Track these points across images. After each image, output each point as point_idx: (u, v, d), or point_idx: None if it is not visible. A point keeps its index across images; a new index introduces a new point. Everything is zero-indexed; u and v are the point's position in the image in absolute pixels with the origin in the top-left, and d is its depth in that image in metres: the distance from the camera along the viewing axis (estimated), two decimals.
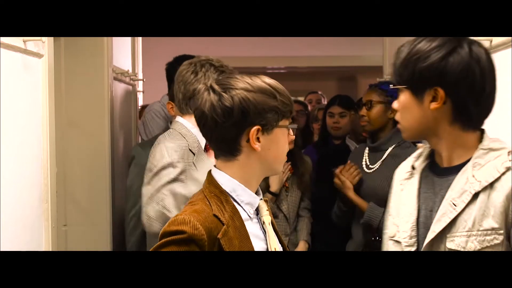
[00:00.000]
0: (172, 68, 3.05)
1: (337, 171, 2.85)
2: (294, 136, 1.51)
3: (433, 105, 1.44)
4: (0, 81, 1.71)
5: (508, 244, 1.37)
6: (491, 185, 1.39)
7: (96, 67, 3.01)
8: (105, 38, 3.00)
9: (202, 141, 2.28)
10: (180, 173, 2.20)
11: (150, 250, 1.42)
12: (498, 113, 1.53)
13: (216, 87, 1.43)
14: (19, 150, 1.87)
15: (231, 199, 1.45)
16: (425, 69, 1.43)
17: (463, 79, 1.41)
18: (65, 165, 2.96)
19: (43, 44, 2.02)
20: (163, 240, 1.38)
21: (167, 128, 3.00)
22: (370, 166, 2.83)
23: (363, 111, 2.85)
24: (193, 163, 2.23)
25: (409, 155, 2.68)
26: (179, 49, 3.23)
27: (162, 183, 2.18)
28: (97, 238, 3.07)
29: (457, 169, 1.46)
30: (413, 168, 1.59)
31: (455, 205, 1.42)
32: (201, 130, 1.48)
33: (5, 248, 1.72)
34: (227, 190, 1.45)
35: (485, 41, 1.75)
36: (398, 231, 1.54)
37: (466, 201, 1.41)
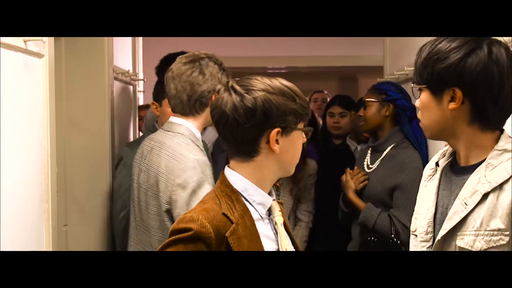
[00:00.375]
0: (162, 69, 3.02)
1: (348, 169, 2.87)
2: (305, 139, 1.52)
3: (451, 105, 1.46)
4: (0, 81, 1.71)
5: None
6: (500, 186, 1.40)
7: (96, 67, 3.02)
8: (106, 38, 3.01)
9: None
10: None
11: (158, 247, 1.43)
12: None
13: (237, 87, 1.44)
14: (19, 150, 1.87)
15: (243, 199, 1.46)
16: (444, 70, 1.44)
17: (481, 80, 1.42)
18: (65, 165, 2.96)
19: (44, 44, 2.02)
20: (170, 238, 1.39)
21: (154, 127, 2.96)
22: (370, 166, 2.86)
23: (361, 111, 2.90)
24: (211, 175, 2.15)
25: (407, 155, 2.74)
26: (179, 49, 3.22)
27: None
28: (97, 238, 3.07)
29: (473, 168, 1.48)
30: (437, 165, 1.62)
31: (466, 204, 1.43)
32: (220, 130, 1.47)
33: (6, 248, 1.72)
34: (239, 190, 1.46)
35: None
36: (417, 226, 1.59)
37: (476, 201, 1.42)
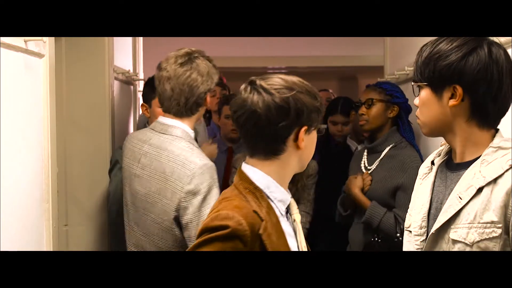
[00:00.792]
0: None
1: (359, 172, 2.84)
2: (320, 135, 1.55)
3: (452, 102, 1.50)
4: (1, 81, 1.71)
5: (507, 237, 1.42)
6: (495, 181, 1.44)
7: (97, 67, 3.02)
8: (106, 38, 3.01)
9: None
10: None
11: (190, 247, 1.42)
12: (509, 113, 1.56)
13: (267, 86, 1.43)
14: (20, 150, 1.87)
15: (266, 196, 1.46)
16: (445, 68, 1.49)
17: (481, 78, 1.46)
18: (66, 165, 2.96)
19: (44, 44, 2.02)
20: (206, 237, 1.37)
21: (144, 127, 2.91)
22: (368, 167, 2.83)
23: (363, 109, 2.83)
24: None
25: (406, 156, 2.73)
26: None
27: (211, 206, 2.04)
28: (98, 238, 3.08)
29: (468, 164, 1.52)
30: (432, 163, 1.66)
31: (460, 198, 1.48)
32: (247, 129, 1.46)
33: (6, 248, 1.72)
34: (261, 187, 1.47)
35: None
36: (412, 222, 1.63)
37: (471, 195, 1.46)
